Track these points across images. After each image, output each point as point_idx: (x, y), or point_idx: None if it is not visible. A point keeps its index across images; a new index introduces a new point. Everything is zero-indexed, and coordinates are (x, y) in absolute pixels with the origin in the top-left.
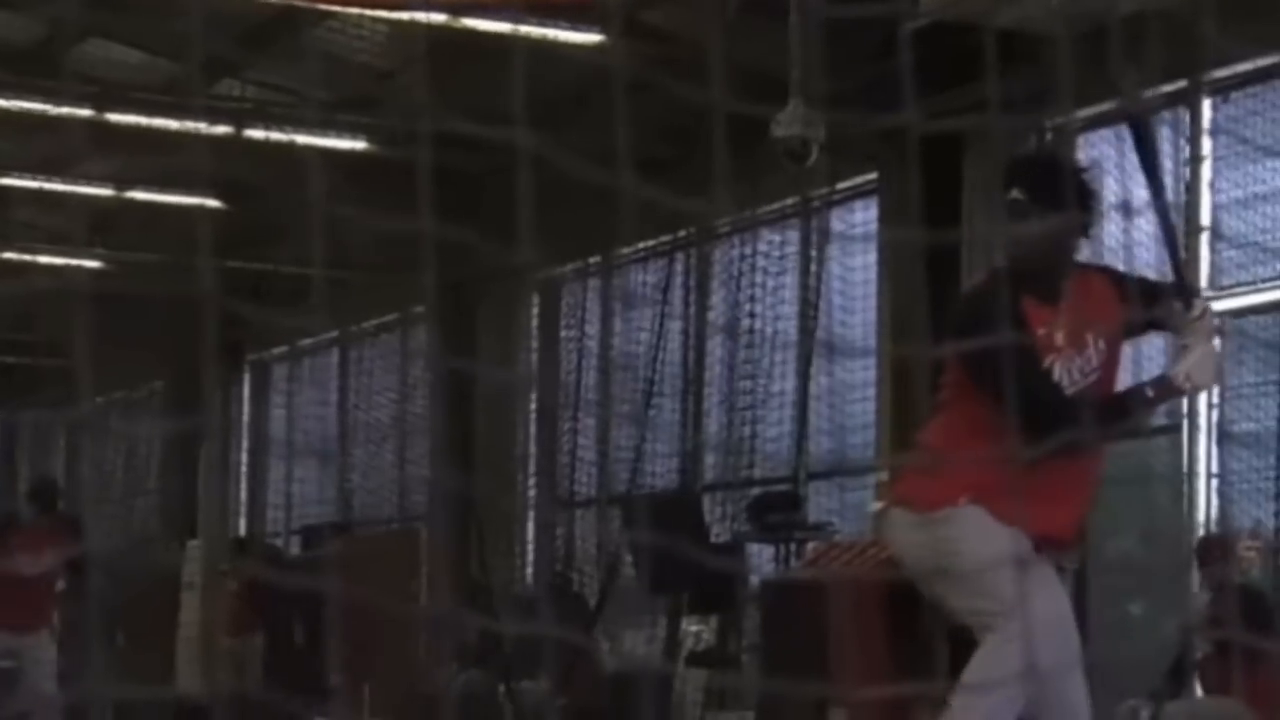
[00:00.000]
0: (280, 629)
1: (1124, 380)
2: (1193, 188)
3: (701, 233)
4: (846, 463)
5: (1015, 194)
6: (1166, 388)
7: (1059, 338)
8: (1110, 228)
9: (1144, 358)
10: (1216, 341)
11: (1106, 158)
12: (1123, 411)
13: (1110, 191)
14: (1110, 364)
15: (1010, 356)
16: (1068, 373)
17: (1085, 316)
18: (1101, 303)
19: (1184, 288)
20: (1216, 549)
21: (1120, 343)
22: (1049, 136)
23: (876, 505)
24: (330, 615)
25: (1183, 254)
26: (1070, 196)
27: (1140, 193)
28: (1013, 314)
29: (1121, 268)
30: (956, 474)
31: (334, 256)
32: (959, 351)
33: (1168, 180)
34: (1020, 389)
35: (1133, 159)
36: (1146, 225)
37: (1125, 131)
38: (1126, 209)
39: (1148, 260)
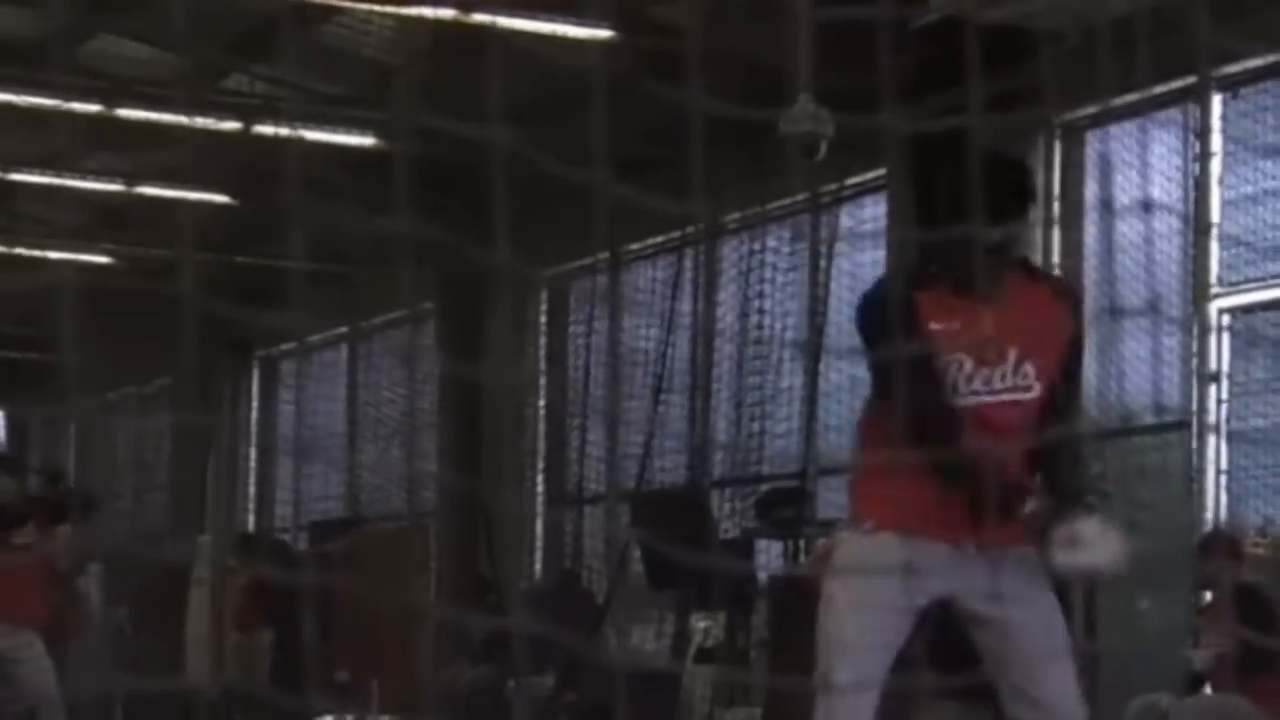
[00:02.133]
0: (288, 625)
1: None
2: (1202, 184)
3: (710, 229)
4: (855, 459)
5: (942, 195)
6: (1046, 552)
7: (965, 339)
8: (1125, 225)
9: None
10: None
11: (1115, 154)
12: (995, 499)
13: (1121, 189)
14: (1043, 393)
15: (897, 356)
16: (977, 378)
17: (1016, 328)
18: (1041, 320)
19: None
20: (1217, 547)
21: (1058, 365)
22: (1058, 132)
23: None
24: (338, 611)
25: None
26: (1009, 194)
27: (1149, 188)
28: (904, 308)
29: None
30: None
31: (342, 252)
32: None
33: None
34: (904, 393)
35: (1134, 158)
36: (1155, 220)
37: (1121, 131)
38: (1146, 206)
39: (1169, 252)
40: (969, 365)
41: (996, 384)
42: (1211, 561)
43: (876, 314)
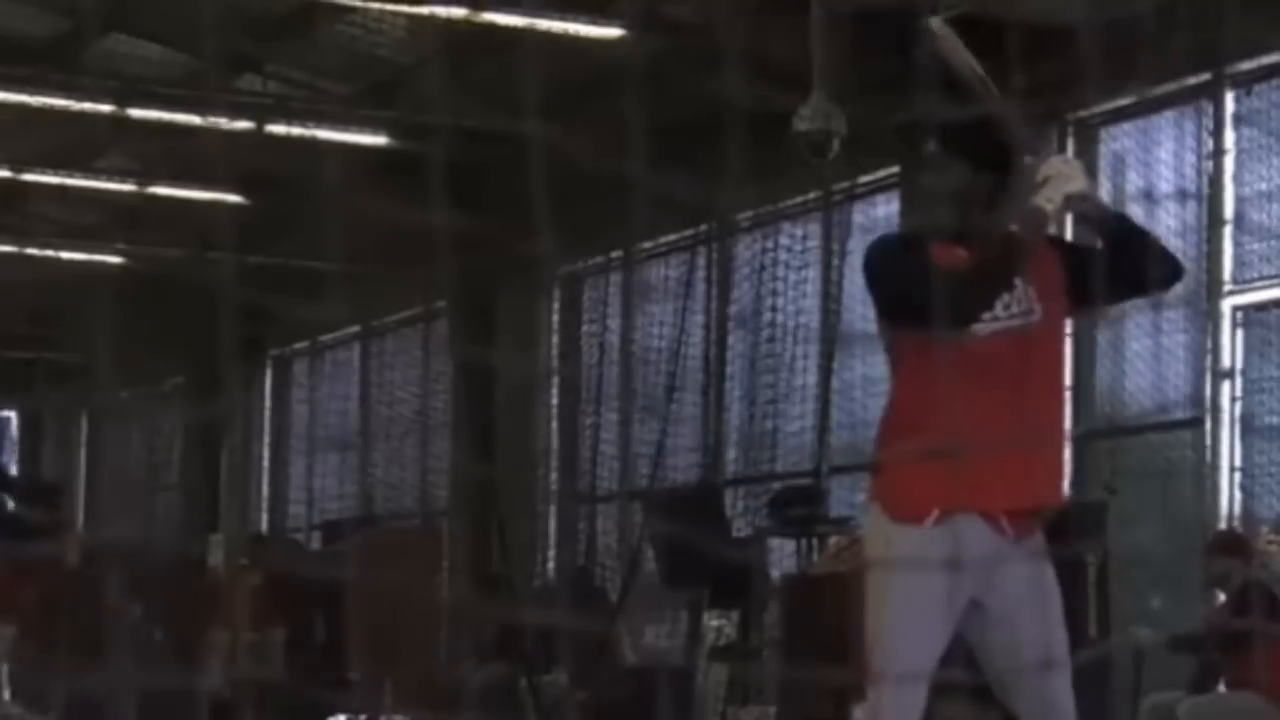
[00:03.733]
0: (301, 623)
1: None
2: (1215, 180)
3: (723, 227)
4: (868, 457)
5: (931, 146)
6: (1030, 214)
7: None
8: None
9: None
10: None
11: (1129, 150)
12: (997, 260)
13: (1131, 183)
14: (1049, 318)
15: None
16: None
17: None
18: (1038, 262)
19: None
20: (1227, 545)
21: (1061, 303)
22: (1071, 129)
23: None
24: (351, 610)
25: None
26: (991, 152)
27: (1162, 185)
28: (912, 242)
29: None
30: (891, 466)
31: (355, 251)
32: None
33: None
34: (905, 282)
35: (1149, 153)
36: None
37: (1144, 124)
38: (1149, 198)
39: (1182, 249)
40: None
41: (1011, 309)
42: (1222, 560)
43: (882, 247)
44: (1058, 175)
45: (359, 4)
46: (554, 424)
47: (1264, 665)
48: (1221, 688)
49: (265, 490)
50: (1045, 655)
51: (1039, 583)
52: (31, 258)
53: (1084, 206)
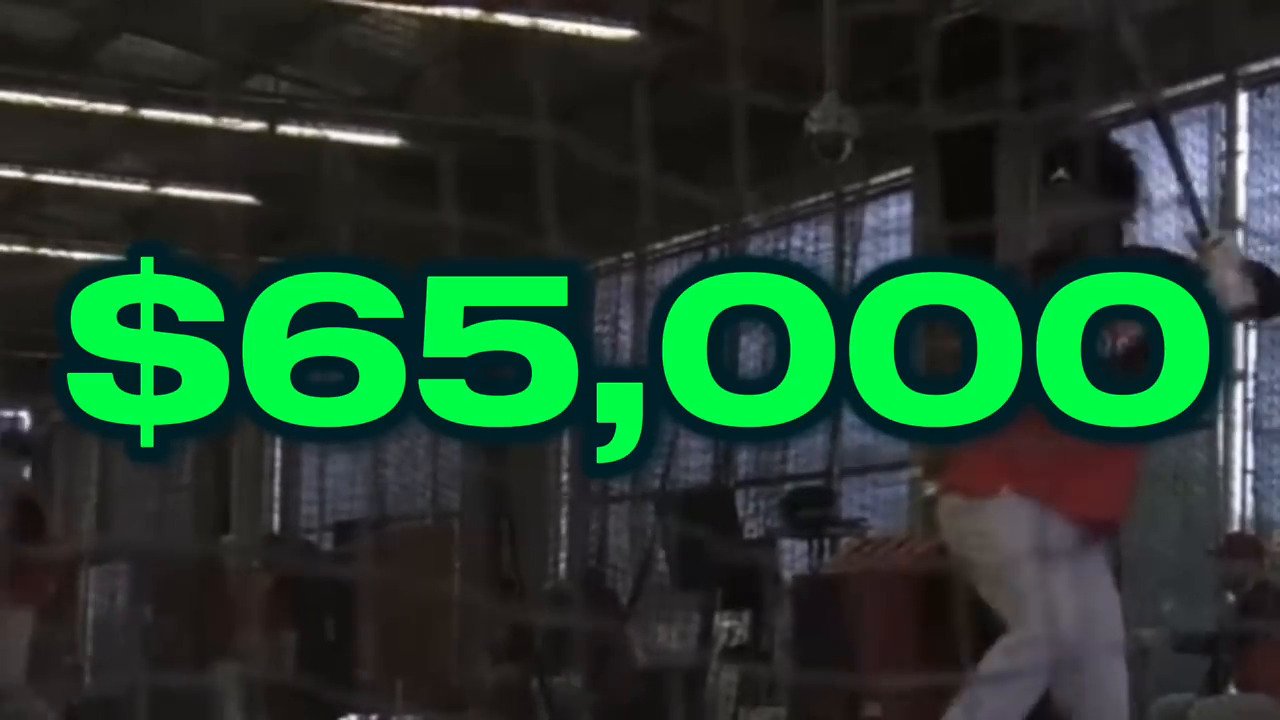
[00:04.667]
0: (313, 624)
1: None
2: (1227, 183)
3: (734, 228)
4: (880, 458)
5: (1060, 174)
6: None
7: None
8: (1150, 224)
9: None
10: (1234, 269)
11: (1140, 153)
12: None
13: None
14: None
15: None
16: None
17: None
18: None
19: (1201, 222)
20: (1241, 547)
21: None
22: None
23: (929, 490)
24: (363, 610)
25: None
26: (1118, 179)
27: (1164, 191)
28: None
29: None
30: (1003, 458)
31: (365, 252)
32: None
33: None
34: None
35: (1158, 156)
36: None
37: (1152, 127)
38: (1148, 204)
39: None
40: None
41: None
42: (1235, 562)
43: None
44: (1226, 288)
45: (371, 5)
46: None
47: (1276, 667)
48: (1232, 689)
49: (277, 491)
50: (1107, 638)
51: (1106, 576)
52: (44, 258)
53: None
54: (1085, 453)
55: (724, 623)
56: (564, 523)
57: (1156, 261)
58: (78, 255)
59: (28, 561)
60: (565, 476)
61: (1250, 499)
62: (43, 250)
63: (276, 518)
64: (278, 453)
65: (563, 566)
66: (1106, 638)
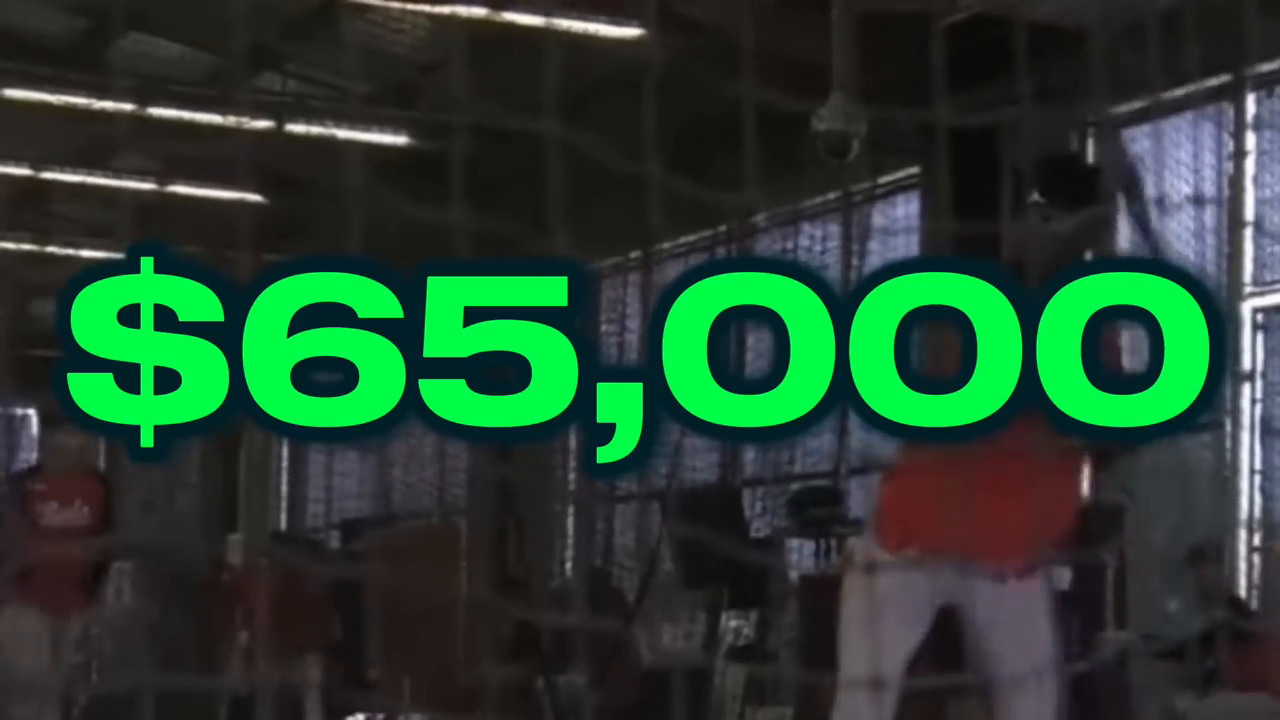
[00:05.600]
0: (319, 622)
1: None
2: (1236, 183)
3: (742, 228)
4: (888, 457)
5: (1036, 198)
6: None
7: None
8: (1158, 223)
9: None
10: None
11: (1146, 152)
12: None
13: (1154, 188)
14: None
15: None
16: None
17: None
18: None
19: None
20: (1207, 556)
21: None
22: (1091, 131)
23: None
24: (370, 608)
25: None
26: (1090, 198)
27: (1175, 191)
28: None
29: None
30: (900, 509)
31: (373, 250)
32: None
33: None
34: None
35: (1168, 155)
36: (1184, 222)
37: (1160, 128)
38: (1161, 204)
39: (1201, 251)
40: None
41: None
42: (1203, 570)
43: None
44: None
45: (379, 3)
46: None
47: (1275, 665)
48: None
49: (284, 489)
50: (1013, 671)
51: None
52: (51, 256)
53: None
54: (990, 490)
55: (730, 622)
56: (570, 522)
57: (1156, 261)
58: (85, 253)
59: (46, 559)
60: (572, 476)
61: (1258, 499)
62: (50, 248)
63: (284, 516)
64: (284, 451)
65: (569, 565)
66: (1018, 671)
